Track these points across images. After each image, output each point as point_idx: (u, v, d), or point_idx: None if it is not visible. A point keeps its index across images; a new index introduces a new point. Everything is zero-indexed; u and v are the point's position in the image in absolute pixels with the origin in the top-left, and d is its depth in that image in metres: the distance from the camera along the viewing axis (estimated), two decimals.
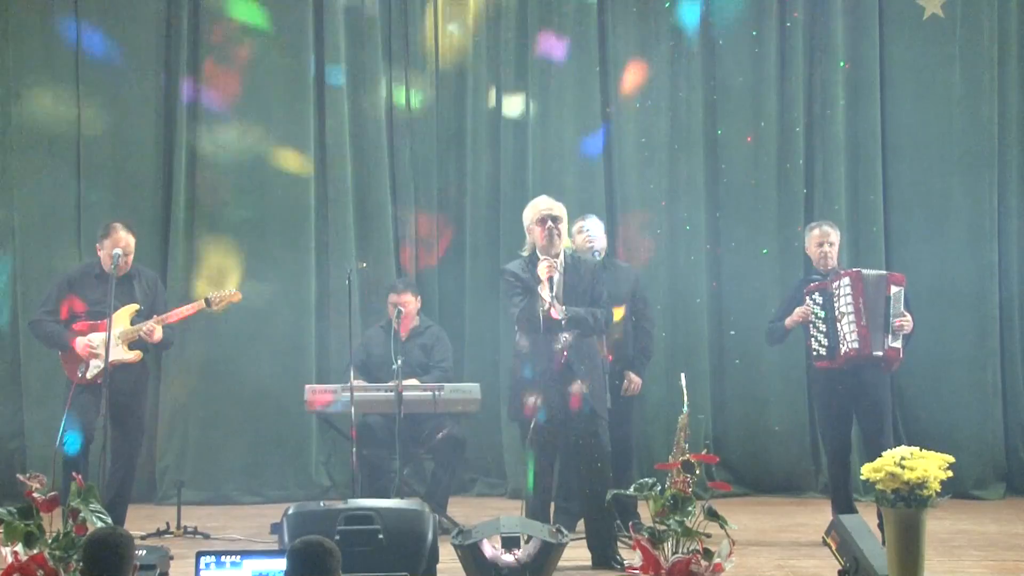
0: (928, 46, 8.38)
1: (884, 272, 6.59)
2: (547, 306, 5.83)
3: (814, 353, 6.54)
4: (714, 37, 8.48)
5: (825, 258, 6.60)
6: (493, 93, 8.45)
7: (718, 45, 8.48)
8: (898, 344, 6.43)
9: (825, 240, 6.60)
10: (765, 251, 8.37)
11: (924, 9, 8.37)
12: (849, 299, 6.38)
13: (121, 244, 6.41)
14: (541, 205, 6.04)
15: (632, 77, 8.44)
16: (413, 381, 6.87)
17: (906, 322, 6.43)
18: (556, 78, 8.39)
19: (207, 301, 6.65)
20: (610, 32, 8.44)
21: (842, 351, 6.39)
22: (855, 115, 8.45)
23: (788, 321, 6.65)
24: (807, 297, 6.55)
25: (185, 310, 6.60)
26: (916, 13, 8.39)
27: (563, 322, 5.87)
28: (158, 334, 6.43)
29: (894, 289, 6.43)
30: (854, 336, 6.35)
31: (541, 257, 5.94)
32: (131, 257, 6.50)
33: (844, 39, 8.41)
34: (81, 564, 3.90)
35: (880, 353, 6.37)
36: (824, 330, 6.47)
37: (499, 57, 8.44)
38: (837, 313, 6.41)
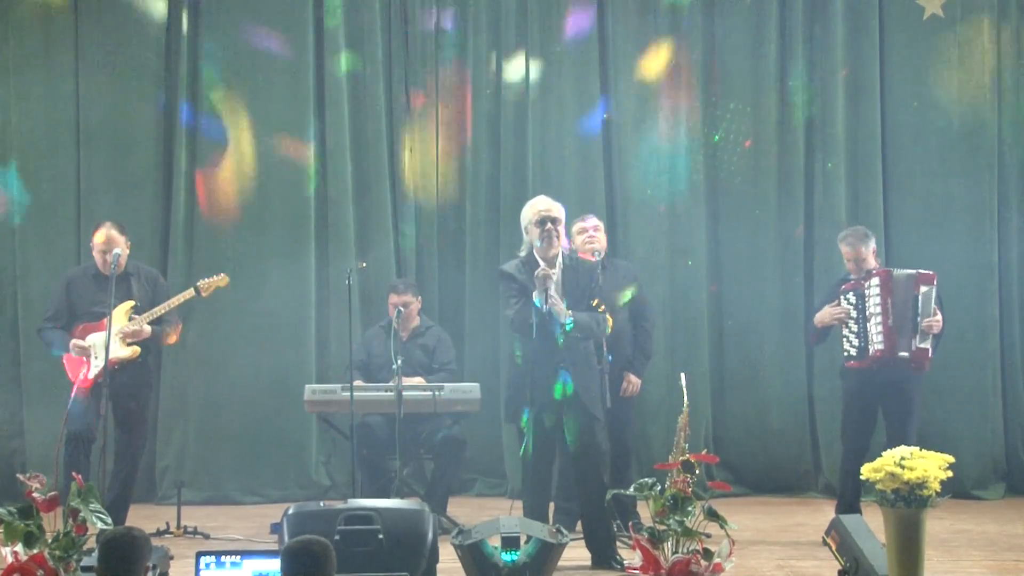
0: (928, 46, 8.38)
1: (914, 272, 6.54)
2: (552, 306, 5.80)
3: (845, 353, 6.55)
4: (714, 37, 8.48)
5: (859, 271, 6.58)
6: (493, 93, 8.45)
7: (718, 45, 8.48)
8: (927, 345, 6.43)
9: (856, 256, 6.57)
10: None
11: (924, 9, 8.37)
12: (878, 299, 6.40)
13: (103, 241, 6.41)
14: (540, 206, 6.01)
15: (632, 77, 8.44)
16: (419, 380, 6.87)
17: (935, 322, 6.43)
18: (557, 79, 8.39)
19: (196, 289, 6.65)
20: (610, 32, 8.43)
21: (870, 352, 6.40)
22: (855, 115, 8.45)
23: (817, 319, 6.66)
24: (841, 297, 6.55)
25: (175, 300, 6.58)
26: (916, 13, 8.38)
27: (566, 327, 5.84)
28: (146, 331, 6.43)
29: (923, 289, 6.43)
30: (880, 337, 6.37)
31: (541, 264, 5.90)
32: (123, 254, 6.47)
33: (844, 39, 8.40)
34: (96, 563, 3.91)
35: (906, 355, 6.38)
36: (856, 331, 6.48)
37: (499, 58, 8.44)
38: (867, 314, 6.43)
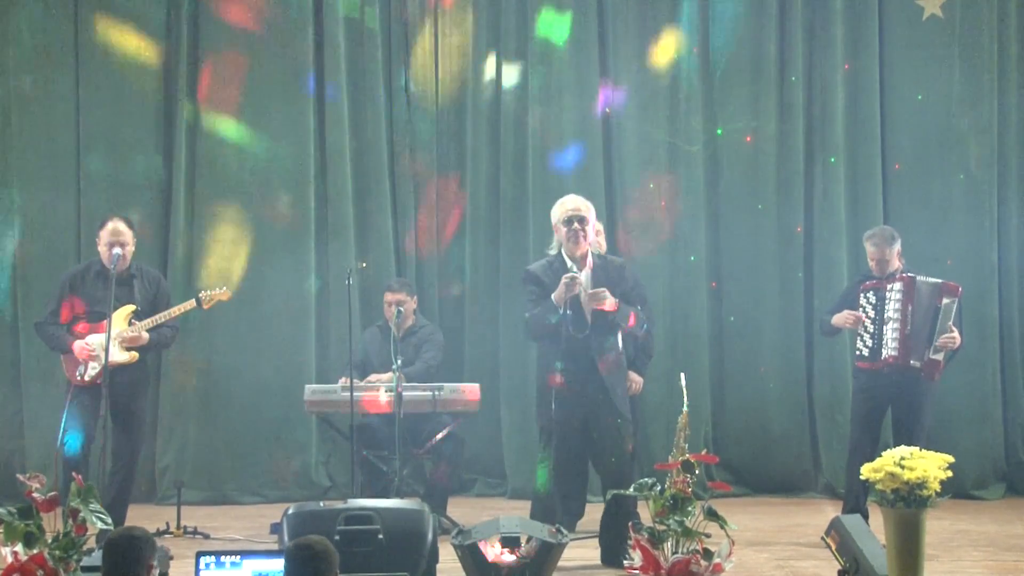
0: (928, 46, 8.37)
1: (938, 281, 6.47)
2: (599, 301, 5.87)
3: (857, 352, 6.54)
4: (714, 36, 8.47)
5: (882, 271, 6.52)
6: (493, 94, 8.44)
7: (718, 44, 8.48)
8: (939, 357, 6.39)
9: (880, 257, 6.50)
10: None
11: (924, 9, 8.37)
12: (898, 305, 6.36)
13: (110, 233, 6.38)
14: (568, 205, 6.03)
15: (631, 77, 8.43)
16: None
17: (951, 340, 6.37)
18: (556, 80, 8.38)
19: (197, 300, 6.63)
20: (610, 31, 8.43)
21: (883, 356, 6.38)
22: (855, 114, 8.44)
23: (835, 320, 6.65)
24: (861, 295, 6.52)
25: (175, 310, 6.57)
26: (916, 13, 8.38)
27: (612, 316, 5.92)
28: (143, 338, 6.41)
29: (945, 301, 6.36)
30: (895, 344, 6.34)
31: (568, 263, 5.97)
32: (128, 249, 6.42)
33: (844, 39, 8.40)
34: (102, 564, 3.91)
35: (917, 364, 6.35)
36: (871, 331, 6.44)
37: (498, 59, 8.43)
38: (885, 317, 6.39)
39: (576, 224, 5.95)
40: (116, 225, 6.43)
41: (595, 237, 6.69)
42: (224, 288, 6.77)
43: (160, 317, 6.46)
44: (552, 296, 5.91)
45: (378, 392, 6.70)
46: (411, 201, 8.45)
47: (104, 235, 6.43)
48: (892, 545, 5.10)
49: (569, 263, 5.99)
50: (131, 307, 6.45)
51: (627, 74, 8.44)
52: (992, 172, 8.34)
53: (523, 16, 8.40)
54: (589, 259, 6.01)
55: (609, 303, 5.89)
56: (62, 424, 6.25)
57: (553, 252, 6.11)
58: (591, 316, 5.94)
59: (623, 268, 6.21)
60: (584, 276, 5.97)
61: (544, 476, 6.01)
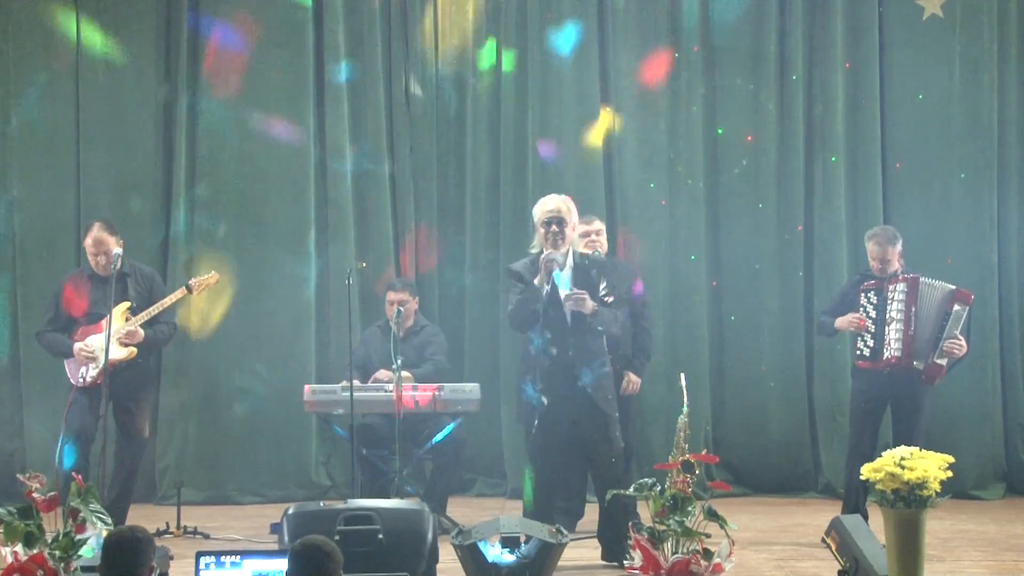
0: (928, 46, 8.37)
1: (952, 287, 6.43)
2: (574, 300, 5.84)
3: (858, 352, 6.51)
4: (714, 36, 8.47)
5: (883, 271, 6.50)
6: (494, 93, 8.44)
7: (718, 44, 8.47)
8: (943, 362, 6.36)
9: (882, 256, 6.47)
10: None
11: (924, 9, 8.37)
12: (901, 305, 6.33)
13: (93, 243, 6.40)
14: (548, 206, 6.02)
15: (632, 76, 8.43)
16: (406, 374, 6.87)
17: (957, 347, 6.35)
18: (556, 78, 8.38)
19: (188, 287, 6.64)
20: (610, 31, 8.43)
21: (884, 356, 6.35)
22: (855, 115, 8.44)
23: (838, 323, 6.62)
24: (862, 295, 6.50)
25: (168, 300, 6.57)
26: (916, 13, 8.38)
27: (590, 319, 5.89)
28: (139, 335, 6.41)
29: (956, 307, 6.34)
30: (898, 344, 6.31)
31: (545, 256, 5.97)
32: (113, 254, 6.41)
33: (844, 39, 8.40)
34: (100, 563, 3.91)
35: (920, 367, 6.33)
36: (872, 331, 6.42)
37: (499, 57, 8.43)
38: (887, 317, 6.36)
39: (555, 226, 5.93)
40: (98, 235, 6.44)
41: (597, 238, 6.73)
42: (213, 272, 6.78)
43: (154, 308, 6.47)
44: (535, 282, 5.90)
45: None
46: (411, 201, 8.44)
47: (88, 244, 6.47)
48: (892, 545, 5.10)
49: None
50: (126, 304, 6.46)
51: (628, 71, 8.42)
52: (992, 172, 8.34)
53: (524, 15, 8.39)
54: (570, 259, 5.99)
55: (589, 307, 5.88)
56: (61, 434, 6.25)
57: (535, 251, 6.10)
58: (571, 319, 5.92)
59: (604, 264, 6.18)
60: (564, 276, 5.95)
61: (529, 494, 6.00)
